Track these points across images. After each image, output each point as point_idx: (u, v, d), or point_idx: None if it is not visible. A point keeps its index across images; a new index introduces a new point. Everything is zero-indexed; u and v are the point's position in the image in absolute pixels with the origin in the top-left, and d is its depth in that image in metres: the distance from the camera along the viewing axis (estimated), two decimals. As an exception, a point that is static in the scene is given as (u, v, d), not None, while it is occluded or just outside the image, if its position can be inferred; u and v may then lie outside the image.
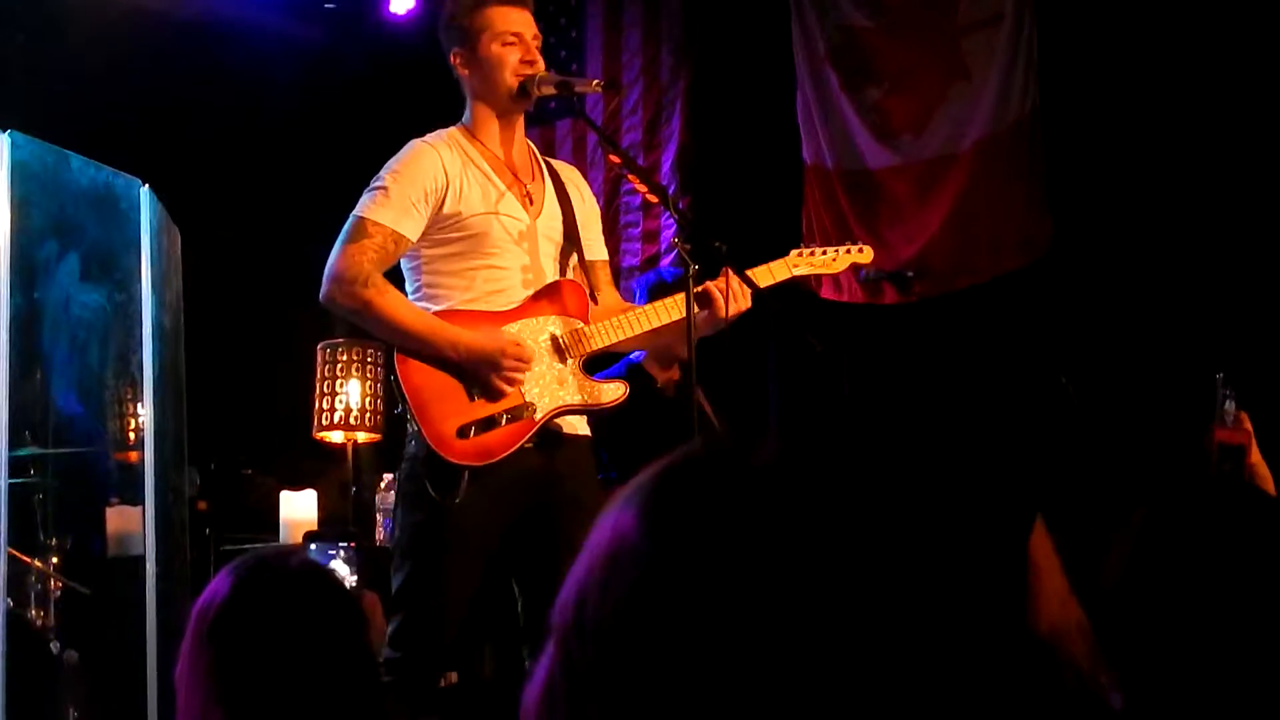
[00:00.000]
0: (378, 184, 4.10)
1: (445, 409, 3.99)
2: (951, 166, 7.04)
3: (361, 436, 6.86)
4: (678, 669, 1.27)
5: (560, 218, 4.30)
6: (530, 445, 4.06)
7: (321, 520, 6.58)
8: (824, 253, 4.52)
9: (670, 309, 4.21)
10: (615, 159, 4.83)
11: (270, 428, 7.72)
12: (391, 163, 4.15)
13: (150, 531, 5.76)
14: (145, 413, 5.97)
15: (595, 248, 4.44)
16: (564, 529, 4.02)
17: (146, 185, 5.96)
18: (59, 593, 5.92)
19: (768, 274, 4.36)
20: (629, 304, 4.47)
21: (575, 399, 4.14)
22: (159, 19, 7.51)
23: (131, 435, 6.36)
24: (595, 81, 4.54)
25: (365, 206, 4.07)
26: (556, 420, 4.13)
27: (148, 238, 5.93)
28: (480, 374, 4.00)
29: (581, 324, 4.19)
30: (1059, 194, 6.77)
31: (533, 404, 4.05)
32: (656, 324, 4.22)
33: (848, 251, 4.56)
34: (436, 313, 4.09)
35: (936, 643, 1.45)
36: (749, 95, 7.73)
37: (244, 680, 2.26)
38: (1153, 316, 6.37)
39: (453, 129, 4.27)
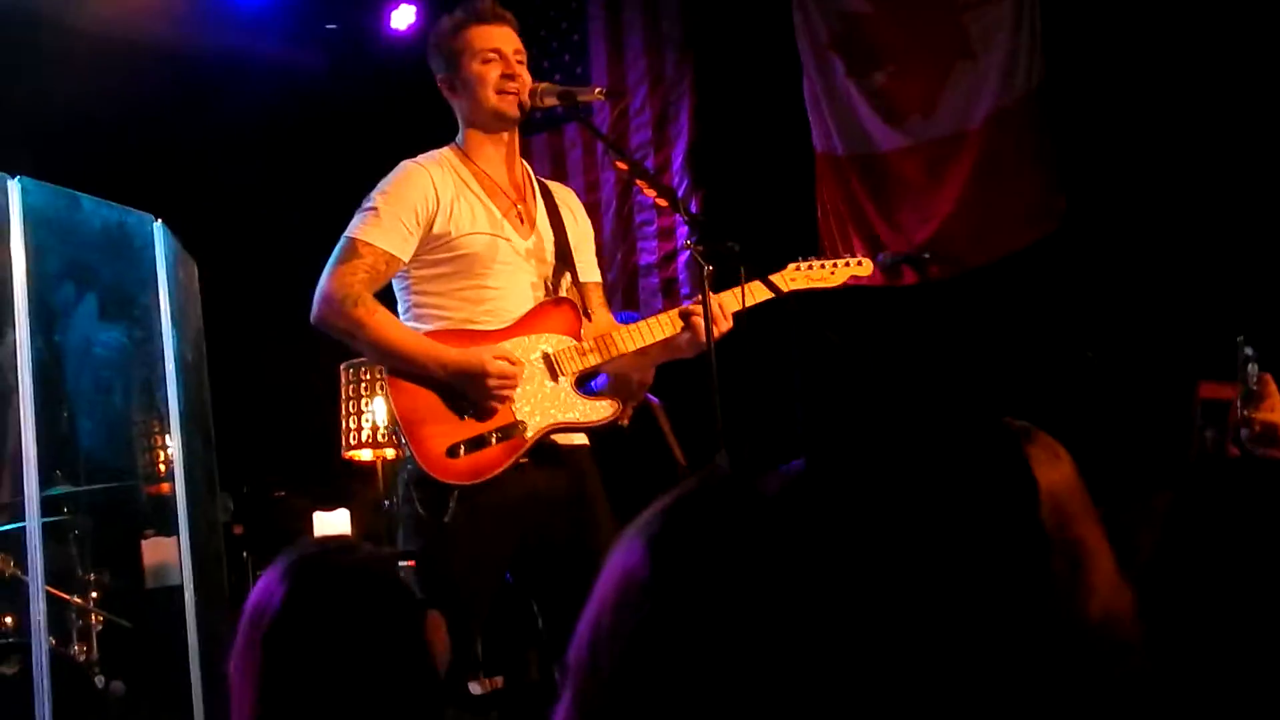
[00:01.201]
0: (368, 205, 4.07)
1: (436, 429, 3.95)
2: (962, 145, 7.04)
3: (390, 453, 6.86)
4: (691, 704, 1.28)
5: (553, 238, 4.25)
6: (526, 461, 4.03)
7: (356, 537, 6.60)
8: (821, 266, 4.44)
9: (662, 326, 4.19)
10: (622, 165, 4.81)
11: (300, 450, 7.73)
12: (383, 183, 4.12)
13: (186, 561, 5.80)
14: (173, 444, 6.01)
15: (589, 270, 4.39)
16: (577, 541, 4.01)
17: (159, 220, 5.98)
18: (100, 627, 5.97)
19: (764, 290, 4.26)
20: (620, 325, 4.37)
21: (568, 416, 4.10)
22: (163, 54, 7.55)
23: (161, 468, 6.40)
24: (598, 89, 4.49)
25: (356, 227, 4.04)
26: (553, 436, 4.11)
27: (164, 272, 5.95)
28: (468, 392, 3.96)
29: (574, 342, 4.15)
30: (1070, 167, 6.75)
31: (524, 422, 4.01)
32: (648, 341, 4.18)
33: (846, 264, 4.48)
34: (428, 332, 4.07)
35: (953, 658, 1.44)
36: (755, 87, 7.74)
37: (297, 686, 2.18)
38: (1171, 283, 6.34)
39: (445, 149, 4.24)
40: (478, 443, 3.96)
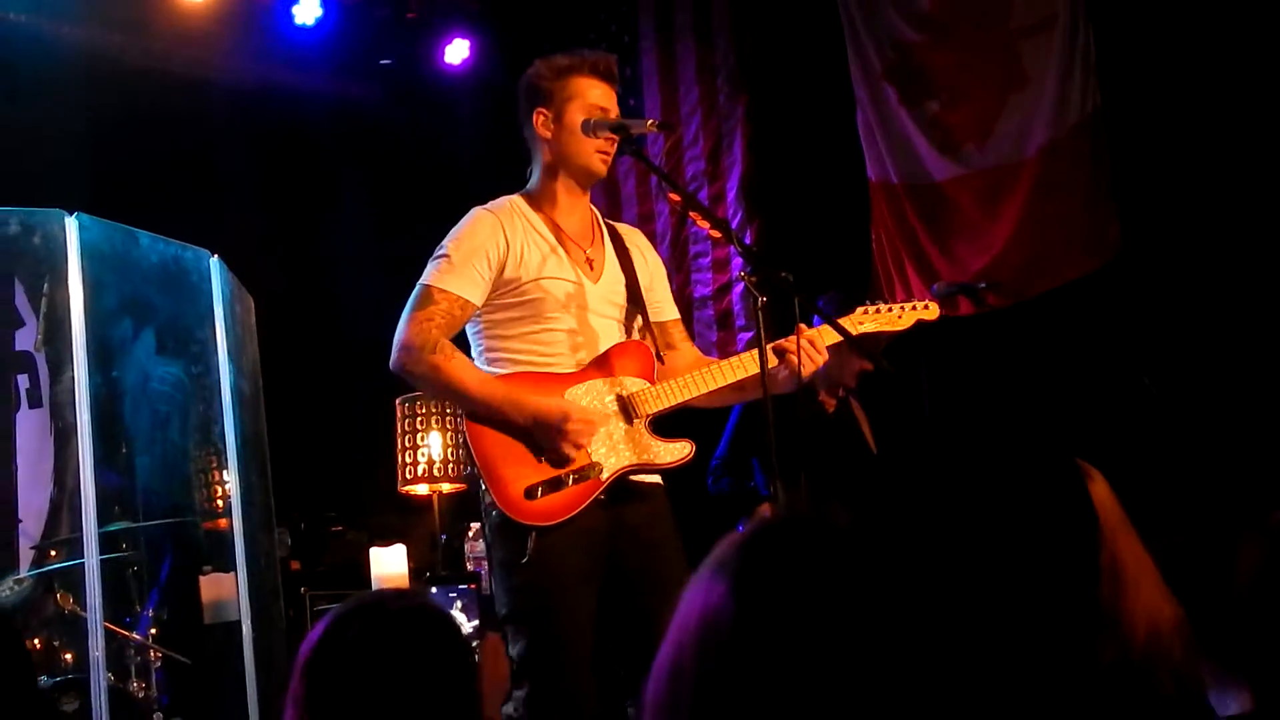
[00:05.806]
0: (440, 252, 4.13)
1: (514, 472, 3.99)
2: (1017, 174, 6.99)
3: (446, 487, 6.89)
4: None
5: (623, 281, 4.28)
6: (604, 498, 4.06)
7: (412, 571, 6.62)
8: (890, 309, 4.40)
9: (739, 366, 4.18)
10: (676, 197, 4.82)
11: (356, 484, 7.77)
12: (454, 231, 4.17)
13: (244, 596, 5.82)
14: (231, 480, 6.04)
15: (664, 308, 4.43)
16: (648, 572, 4.03)
17: (216, 255, 6.03)
18: (159, 663, 5.99)
19: (831, 334, 4.25)
20: (707, 358, 4.40)
21: (644, 458, 4.11)
22: (218, 90, 7.61)
23: (219, 503, 6.44)
24: (650, 121, 4.50)
25: (430, 275, 4.10)
26: (629, 476, 4.13)
27: (220, 307, 6.00)
28: (546, 438, 3.99)
29: (647, 384, 4.16)
30: (1126, 195, 6.69)
31: (599, 464, 4.05)
32: (722, 382, 4.17)
33: (913, 309, 4.44)
34: (503, 375, 4.11)
35: (1025, 682, 1.42)
36: (808, 116, 7.73)
37: (335, 714, 2.25)
38: (1231, 310, 6.28)
39: (514, 196, 4.27)
40: (554, 484, 3.99)
